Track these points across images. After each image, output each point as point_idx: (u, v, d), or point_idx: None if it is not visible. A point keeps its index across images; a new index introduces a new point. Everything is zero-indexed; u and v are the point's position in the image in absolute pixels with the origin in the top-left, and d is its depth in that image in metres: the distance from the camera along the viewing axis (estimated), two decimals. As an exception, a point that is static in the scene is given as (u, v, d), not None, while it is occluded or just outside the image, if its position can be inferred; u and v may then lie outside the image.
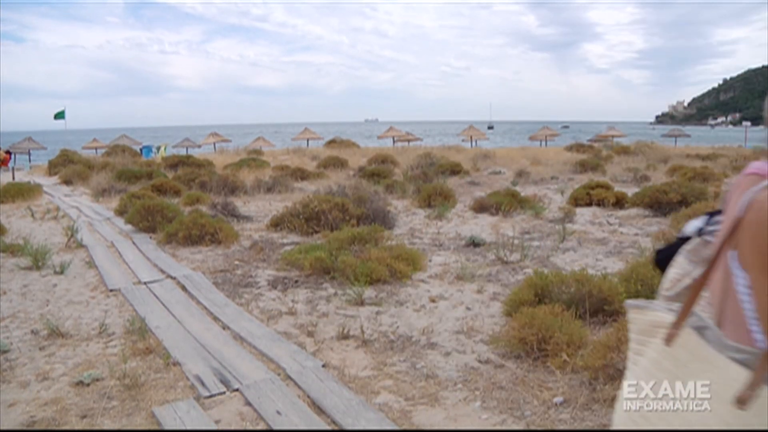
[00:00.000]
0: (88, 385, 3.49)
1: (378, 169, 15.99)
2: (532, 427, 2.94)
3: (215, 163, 19.13)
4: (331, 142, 31.19)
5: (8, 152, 26.28)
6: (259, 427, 3.01)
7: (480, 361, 3.77)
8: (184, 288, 5.62)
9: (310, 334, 4.31)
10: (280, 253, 6.81)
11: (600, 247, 7.18)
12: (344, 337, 4.20)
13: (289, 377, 3.54)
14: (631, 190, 11.17)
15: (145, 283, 5.83)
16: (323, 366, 3.72)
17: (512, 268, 6.16)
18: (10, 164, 24.59)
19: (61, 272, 6.17)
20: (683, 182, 10.58)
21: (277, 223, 8.56)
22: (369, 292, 5.23)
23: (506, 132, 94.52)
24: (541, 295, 4.40)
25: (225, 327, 4.50)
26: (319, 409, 3.14)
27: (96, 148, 32.31)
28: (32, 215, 10.20)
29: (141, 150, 30.82)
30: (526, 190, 12.51)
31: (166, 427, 2.98)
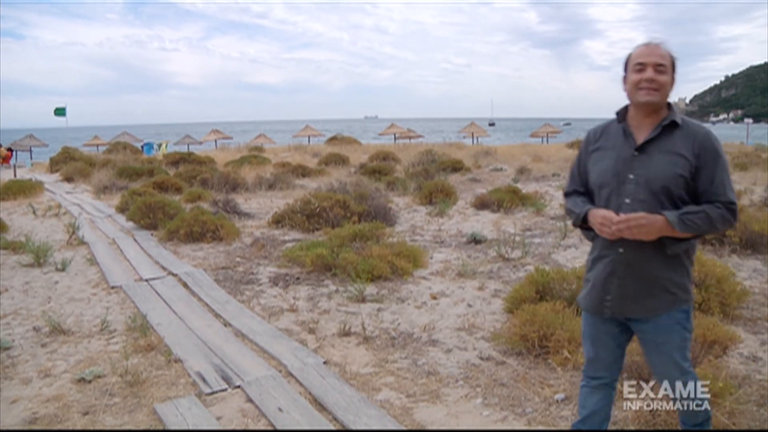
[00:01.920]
0: (89, 381, 3.49)
1: (379, 166, 15.97)
2: (534, 425, 2.94)
3: (216, 160, 19.14)
4: (333, 139, 31.18)
5: (10, 149, 26.36)
6: (260, 424, 3.01)
7: (481, 358, 3.78)
8: (185, 285, 5.62)
9: (312, 331, 4.31)
10: (281, 250, 6.81)
11: (601, 244, 7.16)
12: (345, 333, 4.21)
13: (290, 374, 3.55)
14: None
15: (146, 280, 5.84)
16: (324, 363, 3.72)
17: (513, 265, 6.16)
18: (12, 161, 24.69)
19: (63, 269, 6.18)
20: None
21: (278, 220, 8.57)
22: (370, 289, 5.24)
23: (507, 129, 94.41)
24: (542, 292, 4.40)
25: (226, 324, 4.51)
26: (321, 406, 3.14)
27: (97, 146, 32.37)
28: (34, 212, 10.22)
29: (142, 147, 30.91)
30: (527, 187, 12.49)
31: (168, 424, 2.98)
